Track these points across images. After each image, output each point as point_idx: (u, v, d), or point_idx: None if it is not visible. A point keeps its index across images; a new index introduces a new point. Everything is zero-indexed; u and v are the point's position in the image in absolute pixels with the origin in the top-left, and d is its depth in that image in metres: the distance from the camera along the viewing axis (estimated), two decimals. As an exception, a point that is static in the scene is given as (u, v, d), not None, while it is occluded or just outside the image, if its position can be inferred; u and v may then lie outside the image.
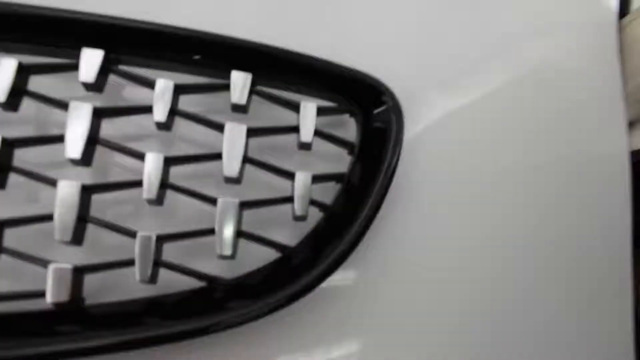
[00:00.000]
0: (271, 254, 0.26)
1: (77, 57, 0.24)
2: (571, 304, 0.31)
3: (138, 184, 0.23)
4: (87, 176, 0.24)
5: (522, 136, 0.32)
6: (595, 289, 0.32)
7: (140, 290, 0.24)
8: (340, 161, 0.28)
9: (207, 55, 0.25)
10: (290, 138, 0.27)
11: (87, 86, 0.24)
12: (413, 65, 0.31)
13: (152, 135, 0.26)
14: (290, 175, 0.25)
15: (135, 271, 0.22)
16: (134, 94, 0.26)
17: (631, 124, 0.34)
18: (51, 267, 0.22)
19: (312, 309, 0.26)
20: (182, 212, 0.25)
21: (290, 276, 0.24)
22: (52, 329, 0.23)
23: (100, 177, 0.25)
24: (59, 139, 0.23)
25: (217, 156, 0.24)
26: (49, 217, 0.22)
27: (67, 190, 0.22)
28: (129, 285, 0.24)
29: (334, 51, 0.27)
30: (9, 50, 0.24)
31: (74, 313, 0.23)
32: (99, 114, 0.23)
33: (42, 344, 0.22)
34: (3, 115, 0.24)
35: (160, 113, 0.24)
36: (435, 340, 0.28)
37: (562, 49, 0.35)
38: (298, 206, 0.25)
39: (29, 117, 0.25)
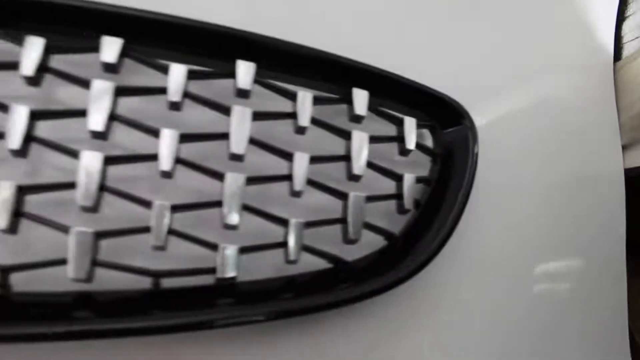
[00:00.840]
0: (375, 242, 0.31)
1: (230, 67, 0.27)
2: (571, 312, 0.38)
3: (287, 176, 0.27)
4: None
5: (534, 157, 0.39)
6: (592, 293, 0.40)
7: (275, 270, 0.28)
8: (416, 167, 0.33)
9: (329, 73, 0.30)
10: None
11: (241, 92, 0.27)
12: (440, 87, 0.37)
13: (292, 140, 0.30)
14: (398, 177, 0.30)
15: (289, 252, 0.27)
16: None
17: (624, 147, 0.42)
18: (221, 247, 0.25)
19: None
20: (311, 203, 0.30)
21: (395, 262, 0.30)
22: (211, 301, 0.26)
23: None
24: (224, 136, 0.26)
25: (347, 158, 0.29)
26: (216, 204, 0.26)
27: (232, 182, 0.26)
28: (264, 267, 0.28)
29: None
30: (172, 59, 0.27)
31: (227, 288, 0.27)
32: (255, 117, 0.27)
33: (202, 314, 0.25)
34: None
35: (304, 119, 0.28)
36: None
37: (567, 84, 0.43)
38: (407, 202, 0.30)
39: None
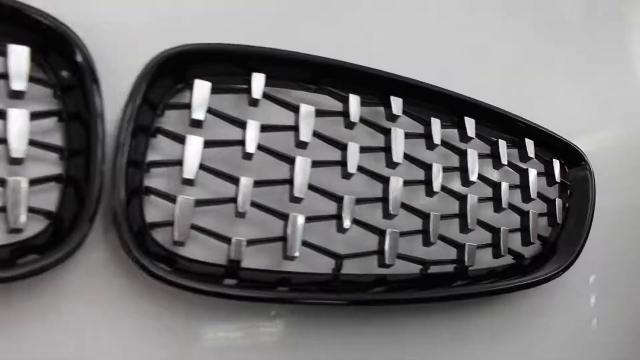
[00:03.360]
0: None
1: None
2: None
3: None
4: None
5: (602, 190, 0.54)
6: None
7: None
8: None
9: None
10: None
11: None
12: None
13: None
14: (552, 201, 0.44)
15: (500, 251, 0.39)
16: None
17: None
18: (467, 245, 0.38)
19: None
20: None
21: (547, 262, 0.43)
22: (449, 284, 0.39)
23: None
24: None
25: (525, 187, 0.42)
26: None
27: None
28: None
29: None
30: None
31: (459, 275, 0.39)
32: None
33: (441, 292, 0.38)
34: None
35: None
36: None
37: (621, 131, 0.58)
38: (558, 217, 0.44)
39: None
